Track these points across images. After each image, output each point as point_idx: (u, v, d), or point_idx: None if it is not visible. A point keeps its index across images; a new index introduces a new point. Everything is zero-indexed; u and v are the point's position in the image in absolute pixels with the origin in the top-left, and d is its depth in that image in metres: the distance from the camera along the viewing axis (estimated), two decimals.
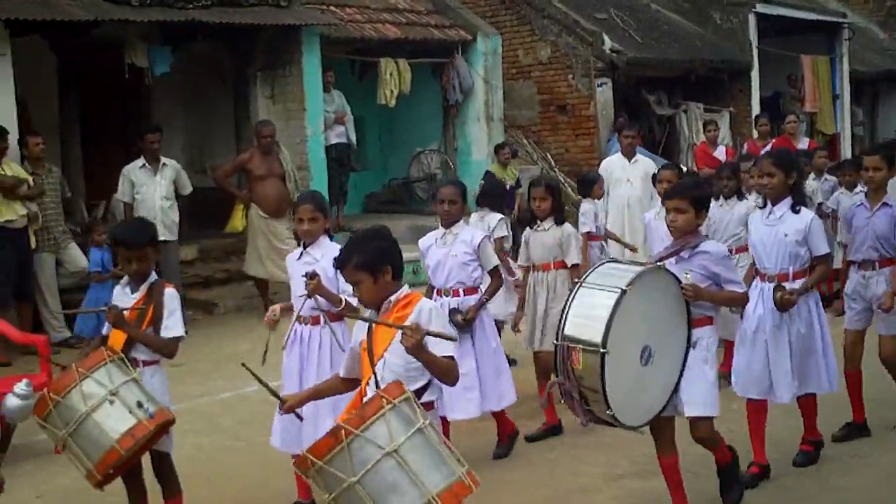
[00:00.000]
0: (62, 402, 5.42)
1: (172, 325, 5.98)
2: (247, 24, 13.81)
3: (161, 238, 11.92)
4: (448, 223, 7.66)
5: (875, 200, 7.76)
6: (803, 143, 15.61)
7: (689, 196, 6.15)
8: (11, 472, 6.53)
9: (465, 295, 7.57)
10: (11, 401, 5.18)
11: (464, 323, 7.41)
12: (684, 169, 9.48)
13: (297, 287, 6.69)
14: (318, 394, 5.42)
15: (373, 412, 4.26)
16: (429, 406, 4.74)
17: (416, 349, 4.53)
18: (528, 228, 8.54)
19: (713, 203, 8.86)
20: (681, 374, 5.96)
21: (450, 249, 7.56)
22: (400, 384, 4.42)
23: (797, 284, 6.82)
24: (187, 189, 12.79)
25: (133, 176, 12.37)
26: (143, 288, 5.99)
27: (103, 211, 13.26)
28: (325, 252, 6.68)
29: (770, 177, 6.96)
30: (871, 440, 7.81)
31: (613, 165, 13.44)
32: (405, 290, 4.91)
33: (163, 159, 12.59)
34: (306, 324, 6.68)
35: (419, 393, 4.68)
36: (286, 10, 14.59)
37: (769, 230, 6.96)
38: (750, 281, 7.05)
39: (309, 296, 6.51)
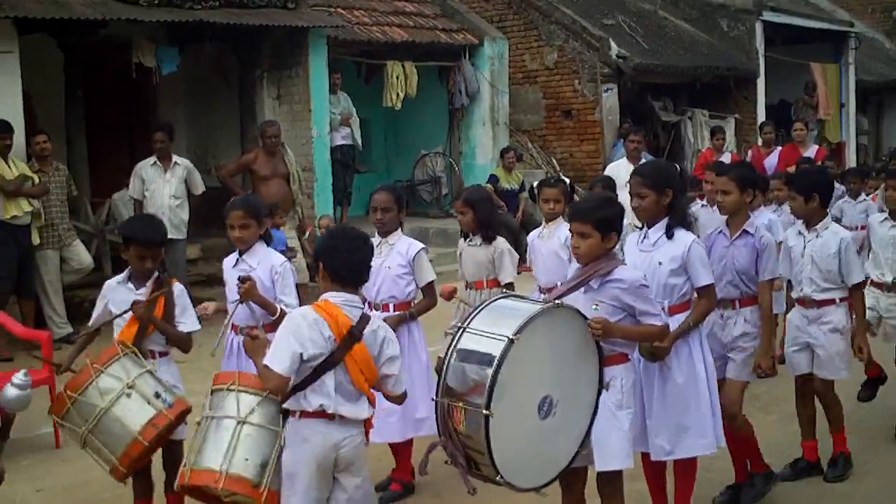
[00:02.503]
0: (80, 399, 5.47)
1: (187, 321, 6.07)
2: (254, 26, 13.83)
3: (169, 237, 12.08)
4: (383, 232, 7.00)
5: (734, 228, 6.61)
6: (811, 151, 15.61)
7: (591, 219, 5.29)
8: (11, 466, 6.59)
9: (395, 310, 6.92)
10: (10, 391, 5.23)
11: None
12: (567, 181, 8.81)
13: (232, 293, 6.51)
14: None
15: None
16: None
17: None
18: (461, 241, 7.76)
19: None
20: (592, 420, 5.19)
21: (384, 261, 6.86)
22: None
23: (675, 321, 5.78)
24: (199, 188, 12.80)
25: (144, 173, 12.42)
26: (150, 284, 6.02)
27: (107, 210, 13.27)
28: (262, 260, 6.55)
29: (639, 197, 5.90)
30: (870, 448, 7.75)
31: (619, 170, 13.38)
32: None
33: (175, 158, 12.63)
34: (241, 333, 6.28)
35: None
36: (293, 12, 14.61)
37: (643, 257, 5.94)
38: None
39: (241, 301, 6.34)
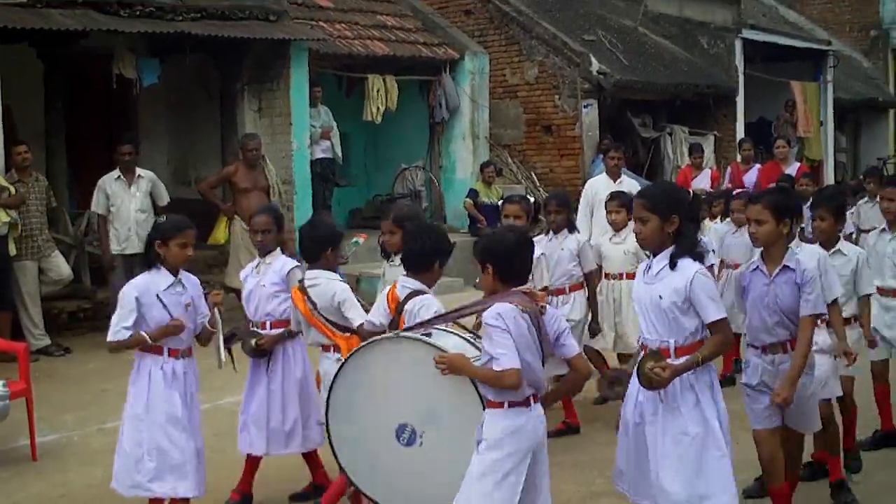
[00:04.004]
0: None
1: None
2: (236, 38, 13.83)
3: (137, 251, 12.07)
4: (263, 252, 7.20)
5: (771, 263, 6.09)
6: (793, 168, 15.69)
7: (485, 257, 5.11)
8: None
9: (272, 328, 7.06)
10: None
11: (255, 350, 7.02)
12: (532, 199, 9.02)
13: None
14: None
15: None
16: None
17: None
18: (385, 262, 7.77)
19: (543, 238, 8.84)
20: None
21: (260, 280, 7.09)
22: None
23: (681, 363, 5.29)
24: (164, 200, 12.71)
25: (108, 188, 12.30)
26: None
27: (86, 221, 13.22)
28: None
29: (641, 222, 5.45)
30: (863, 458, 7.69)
31: (598, 186, 13.43)
32: None
33: (139, 171, 12.52)
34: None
35: None
36: (275, 25, 14.64)
37: (646, 290, 5.49)
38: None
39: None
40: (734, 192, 12.05)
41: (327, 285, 6.44)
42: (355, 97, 17.51)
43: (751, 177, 15.79)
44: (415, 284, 5.80)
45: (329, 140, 16.12)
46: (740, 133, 20.82)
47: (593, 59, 18.71)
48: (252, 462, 7.11)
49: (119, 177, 12.34)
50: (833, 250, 7.24)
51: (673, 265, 5.34)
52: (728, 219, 11.08)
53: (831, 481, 7.01)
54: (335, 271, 6.71)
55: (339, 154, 16.53)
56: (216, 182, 13.51)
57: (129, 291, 6.13)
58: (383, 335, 5.42)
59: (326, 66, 16.54)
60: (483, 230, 15.67)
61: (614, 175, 13.04)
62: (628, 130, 20.29)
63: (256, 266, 7.21)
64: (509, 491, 4.85)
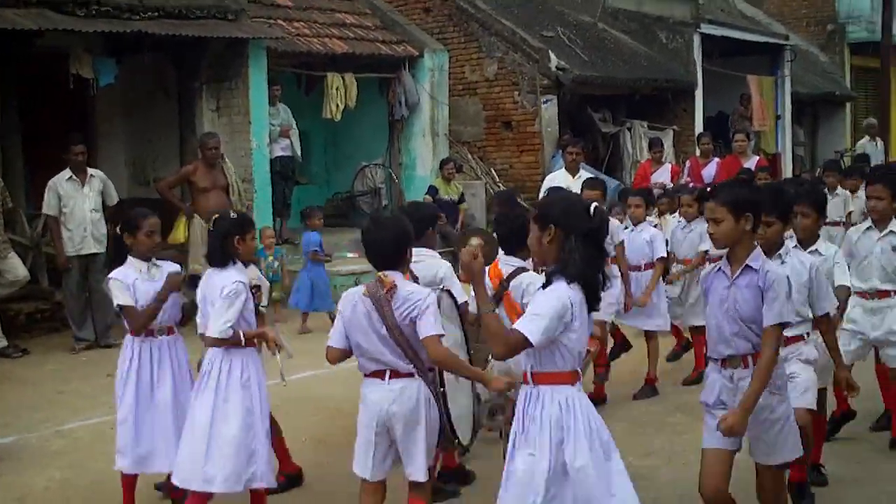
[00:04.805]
0: None
1: None
2: (194, 37, 13.77)
3: (93, 251, 11.93)
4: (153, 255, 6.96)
5: (736, 263, 5.44)
6: (752, 162, 15.76)
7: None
8: None
9: (168, 335, 6.85)
10: None
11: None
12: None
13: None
14: None
15: None
16: None
17: None
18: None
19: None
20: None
21: (157, 283, 6.72)
22: None
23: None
24: (114, 199, 12.50)
25: (60, 188, 12.11)
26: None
27: (43, 222, 13.12)
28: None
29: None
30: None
31: (557, 181, 13.48)
32: None
33: (90, 171, 12.37)
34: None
35: None
36: (233, 23, 14.58)
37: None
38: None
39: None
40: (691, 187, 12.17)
41: (431, 262, 6.80)
42: (314, 95, 17.47)
43: (710, 171, 15.85)
44: (517, 262, 6.66)
45: (288, 138, 16.08)
46: (699, 127, 20.90)
47: (552, 55, 18.75)
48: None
49: (71, 177, 12.14)
50: (811, 249, 6.77)
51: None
52: (676, 213, 11.22)
53: (791, 480, 6.49)
54: (433, 249, 7.07)
55: (299, 152, 16.49)
56: (175, 181, 13.46)
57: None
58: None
59: (285, 64, 16.50)
60: (443, 227, 15.70)
61: (573, 170, 13.09)
62: (588, 126, 20.35)
63: (148, 270, 6.81)
64: (363, 451, 5.59)
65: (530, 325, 4.69)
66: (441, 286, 6.36)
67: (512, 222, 6.80)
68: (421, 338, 5.37)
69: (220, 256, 6.36)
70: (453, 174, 17.24)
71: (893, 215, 7.57)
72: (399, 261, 5.58)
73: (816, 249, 6.80)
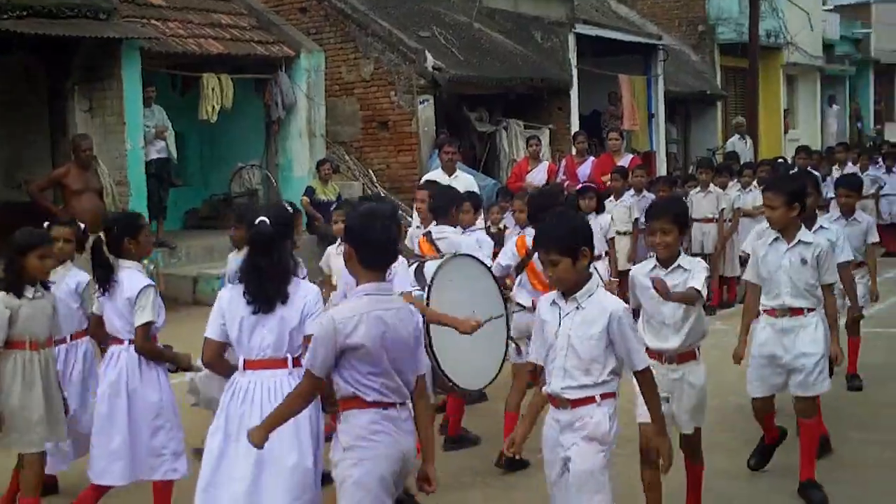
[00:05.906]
0: None
1: None
2: (64, 37, 13.58)
3: None
4: (64, 262, 7.11)
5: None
6: (626, 160, 16.02)
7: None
8: None
9: (72, 341, 7.05)
10: None
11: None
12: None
13: None
14: None
15: None
16: None
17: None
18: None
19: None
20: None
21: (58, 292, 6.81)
22: None
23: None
24: None
25: None
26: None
27: None
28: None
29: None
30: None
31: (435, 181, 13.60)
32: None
33: None
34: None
35: None
36: (105, 23, 14.41)
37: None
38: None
39: None
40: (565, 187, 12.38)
41: (454, 238, 7.85)
42: (190, 96, 17.33)
43: (585, 169, 16.08)
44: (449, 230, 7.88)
45: (164, 140, 15.93)
46: (575, 126, 21.15)
47: (429, 56, 18.85)
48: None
49: None
50: (673, 266, 6.14)
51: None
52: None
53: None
54: (455, 227, 8.12)
55: (175, 154, 16.36)
56: (47, 184, 13.28)
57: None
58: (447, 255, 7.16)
59: (160, 64, 16.33)
60: (320, 227, 15.71)
61: (450, 170, 13.19)
62: (464, 125, 20.49)
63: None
64: None
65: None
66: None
67: (542, 200, 7.97)
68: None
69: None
70: (330, 175, 17.24)
71: (795, 224, 6.95)
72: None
73: (679, 265, 6.12)
